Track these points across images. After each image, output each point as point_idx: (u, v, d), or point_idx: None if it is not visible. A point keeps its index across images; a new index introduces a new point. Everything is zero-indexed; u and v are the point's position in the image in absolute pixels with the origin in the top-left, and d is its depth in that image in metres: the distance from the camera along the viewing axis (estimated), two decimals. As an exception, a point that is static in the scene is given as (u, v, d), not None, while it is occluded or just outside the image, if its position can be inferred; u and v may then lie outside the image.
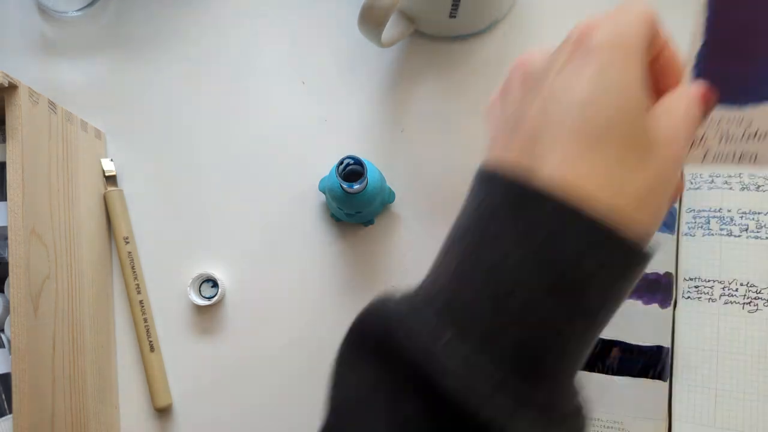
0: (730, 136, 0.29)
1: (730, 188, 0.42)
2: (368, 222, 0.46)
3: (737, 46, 0.28)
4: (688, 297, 0.42)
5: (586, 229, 0.23)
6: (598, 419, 0.40)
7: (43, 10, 0.49)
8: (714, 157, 0.31)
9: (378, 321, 0.26)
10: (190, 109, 0.48)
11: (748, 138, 0.29)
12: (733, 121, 0.28)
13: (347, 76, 0.48)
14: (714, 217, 0.42)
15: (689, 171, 0.44)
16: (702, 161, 0.32)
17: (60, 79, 0.48)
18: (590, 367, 0.41)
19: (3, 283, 0.43)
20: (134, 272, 0.45)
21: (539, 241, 0.23)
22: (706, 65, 0.30)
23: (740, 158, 0.31)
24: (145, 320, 0.45)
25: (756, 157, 0.30)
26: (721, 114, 0.29)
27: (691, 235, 0.43)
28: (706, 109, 0.27)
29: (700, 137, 0.30)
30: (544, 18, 0.48)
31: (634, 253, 0.24)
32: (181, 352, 0.46)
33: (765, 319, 0.40)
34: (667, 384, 0.42)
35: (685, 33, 0.48)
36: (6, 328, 0.41)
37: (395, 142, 0.47)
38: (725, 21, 0.29)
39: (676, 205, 0.43)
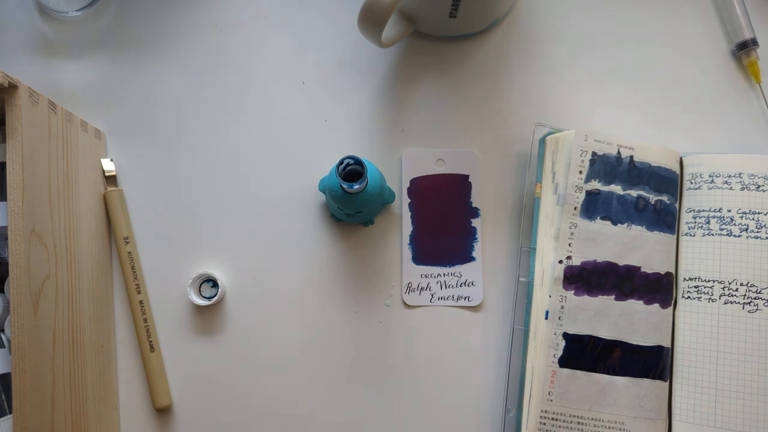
0: (447, 285, 0.46)
1: (730, 188, 0.42)
2: (368, 222, 0.46)
3: (432, 228, 0.46)
4: (688, 297, 0.42)
5: None
6: (598, 419, 0.40)
7: (43, 10, 0.49)
8: (438, 299, 0.46)
9: None
10: (190, 109, 0.48)
11: (461, 285, 0.46)
12: (447, 274, 0.46)
13: (347, 76, 0.48)
14: (714, 217, 0.42)
15: (689, 171, 0.44)
16: (430, 302, 0.46)
17: (60, 79, 0.48)
18: (591, 367, 0.41)
19: (3, 283, 0.43)
20: (134, 272, 0.45)
21: None
22: (417, 242, 0.47)
23: (457, 299, 0.46)
24: (145, 320, 0.45)
25: (469, 298, 0.46)
26: (438, 270, 0.47)
27: (691, 235, 0.43)
28: None
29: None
30: (544, 18, 0.48)
31: None
32: (181, 352, 0.46)
33: (765, 319, 0.40)
34: (667, 384, 0.42)
35: (694, 26, 0.48)
36: (6, 328, 0.41)
37: (395, 142, 0.47)
38: (422, 215, 0.47)
39: (677, 205, 0.43)
